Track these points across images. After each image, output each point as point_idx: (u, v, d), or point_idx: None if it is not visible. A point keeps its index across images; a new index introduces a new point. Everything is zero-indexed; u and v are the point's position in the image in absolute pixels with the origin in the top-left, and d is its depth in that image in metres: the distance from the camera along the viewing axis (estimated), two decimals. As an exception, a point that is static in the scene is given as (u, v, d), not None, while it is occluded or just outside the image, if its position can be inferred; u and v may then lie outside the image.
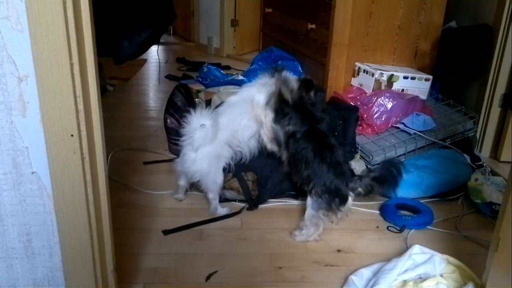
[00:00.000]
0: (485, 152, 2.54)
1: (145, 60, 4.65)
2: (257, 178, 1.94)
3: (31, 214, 1.04)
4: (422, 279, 1.39)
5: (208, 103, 2.39)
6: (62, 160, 0.98)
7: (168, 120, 2.37)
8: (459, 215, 1.93)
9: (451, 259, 1.46)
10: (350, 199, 1.68)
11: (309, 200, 1.70)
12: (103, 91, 3.45)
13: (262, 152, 1.94)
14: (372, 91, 2.33)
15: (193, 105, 2.41)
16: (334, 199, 1.65)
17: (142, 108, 3.34)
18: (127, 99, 3.53)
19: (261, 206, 1.95)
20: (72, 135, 0.98)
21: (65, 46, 0.90)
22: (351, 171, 1.72)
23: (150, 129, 2.82)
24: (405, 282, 1.38)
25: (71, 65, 0.92)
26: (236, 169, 1.91)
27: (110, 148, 2.39)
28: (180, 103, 2.38)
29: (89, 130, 1.02)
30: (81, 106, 0.97)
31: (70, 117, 0.96)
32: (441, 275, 1.41)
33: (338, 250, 1.67)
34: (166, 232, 1.74)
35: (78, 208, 1.02)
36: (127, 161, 2.35)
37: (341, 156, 1.71)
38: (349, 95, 2.35)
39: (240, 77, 2.82)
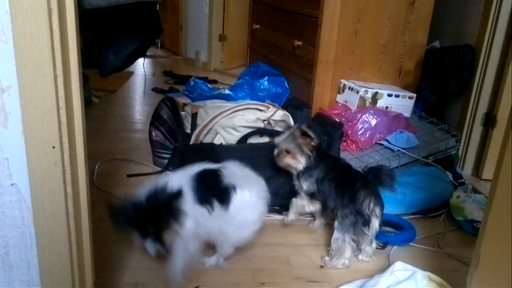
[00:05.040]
0: (467, 170, 2.58)
1: (131, 73, 4.64)
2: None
3: (9, 226, 1.02)
4: (404, 296, 1.40)
5: (193, 116, 2.39)
6: (42, 172, 0.97)
7: (153, 133, 2.36)
8: (441, 232, 1.95)
9: (433, 276, 1.47)
10: (375, 221, 1.65)
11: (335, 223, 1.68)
12: (88, 103, 3.43)
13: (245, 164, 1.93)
14: (357, 108, 2.36)
15: (179, 118, 2.41)
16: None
17: (128, 121, 3.33)
18: (112, 111, 3.51)
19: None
20: (53, 147, 0.96)
21: (49, 57, 0.90)
22: None
23: (135, 142, 2.80)
24: (387, 299, 1.39)
25: (55, 77, 0.92)
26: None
27: (95, 160, 2.37)
28: (166, 116, 2.38)
29: (71, 142, 1.01)
30: (64, 118, 0.97)
31: (52, 129, 0.95)
32: (423, 292, 1.41)
33: (321, 266, 1.67)
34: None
35: (58, 221, 1.00)
36: (110, 173, 2.32)
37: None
38: (334, 112, 2.37)
39: (227, 92, 2.83)
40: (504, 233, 1.08)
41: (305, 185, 1.78)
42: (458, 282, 1.38)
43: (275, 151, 1.81)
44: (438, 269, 1.55)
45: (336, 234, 1.65)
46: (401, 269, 1.50)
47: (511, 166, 1.06)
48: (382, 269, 1.55)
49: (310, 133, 1.75)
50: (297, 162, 1.77)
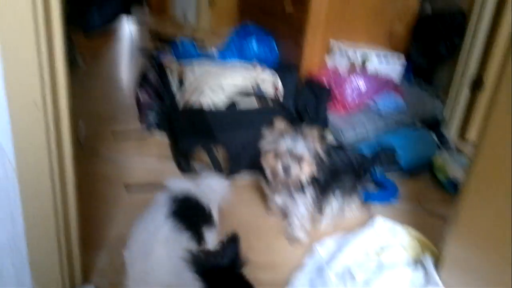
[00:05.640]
0: (452, 131, 2.60)
1: (117, 34, 4.55)
2: (228, 153, 1.95)
3: (-8, 182, 1.03)
4: (383, 249, 1.44)
5: (181, 77, 2.37)
6: (25, 129, 0.97)
7: (139, 93, 2.35)
8: (423, 190, 1.99)
9: (412, 231, 1.51)
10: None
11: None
12: (73, 64, 3.37)
13: (232, 127, 1.94)
14: (346, 71, 2.35)
15: (165, 77, 2.39)
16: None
17: (114, 82, 3.29)
18: (98, 73, 3.46)
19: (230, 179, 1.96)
20: (36, 104, 0.96)
21: (30, 14, 0.88)
22: None
23: (121, 101, 2.78)
24: (367, 253, 1.43)
25: (37, 33, 0.90)
26: (206, 143, 1.92)
27: (80, 118, 2.35)
28: (152, 77, 2.36)
29: (54, 99, 1.00)
30: (46, 75, 0.96)
31: (35, 86, 0.94)
32: (402, 246, 1.46)
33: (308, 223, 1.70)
34: (127, 187, 1.80)
35: (42, 177, 1.01)
36: (96, 131, 2.32)
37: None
38: (323, 74, 2.37)
39: (215, 53, 2.80)
40: (483, 193, 1.11)
41: (309, 191, 1.54)
42: (436, 237, 1.42)
43: (285, 161, 1.41)
44: (418, 225, 1.59)
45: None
46: (381, 225, 1.54)
47: (495, 129, 1.08)
48: (364, 225, 1.59)
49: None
50: (312, 171, 1.46)
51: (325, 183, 1.55)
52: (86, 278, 1.29)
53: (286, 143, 1.40)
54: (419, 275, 1.31)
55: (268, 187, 1.61)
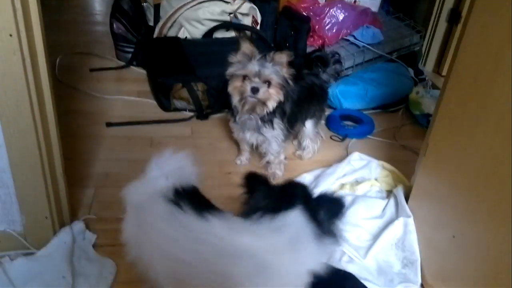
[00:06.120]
0: (429, 66, 2.64)
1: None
2: (207, 88, 1.94)
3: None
4: (358, 182, 1.52)
5: (156, 8, 2.29)
6: (1, 61, 0.95)
7: (114, 25, 2.27)
8: (399, 125, 2.05)
9: (386, 165, 1.58)
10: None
11: (308, 122, 1.70)
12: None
13: (211, 61, 1.92)
14: (325, 1, 2.31)
15: (141, 9, 2.31)
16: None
17: (87, 11, 3.16)
18: (70, 2, 3.30)
19: (211, 116, 1.98)
20: (10, 35, 0.93)
21: None
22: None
23: (96, 34, 2.70)
24: (342, 185, 1.50)
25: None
26: (185, 79, 1.90)
27: (55, 53, 2.28)
28: (126, 7, 2.27)
29: (28, 30, 0.97)
30: (18, 5, 0.92)
31: (8, 16, 0.91)
32: (376, 179, 1.54)
33: (284, 158, 1.76)
34: (109, 124, 1.78)
35: (23, 110, 1.00)
36: (73, 67, 2.27)
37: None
38: (302, 5, 2.32)
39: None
40: (450, 124, 1.16)
41: (277, 125, 1.53)
42: (409, 170, 1.48)
43: (254, 83, 1.40)
44: (393, 159, 1.66)
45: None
46: (357, 159, 1.60)
47: (463, 63, 1.11)
48: (341, 160, 1.65)
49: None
50: (279, 96, 1.44)
51: (292, 113, 1.55)
52: (73, 214, 1.32)
53: (254, 66, 1.38)
54: (391, 205, 1.39)
55: (234, 124, 1.59)
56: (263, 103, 1.42)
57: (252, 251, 0.79)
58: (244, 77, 1.41)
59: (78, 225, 1.26)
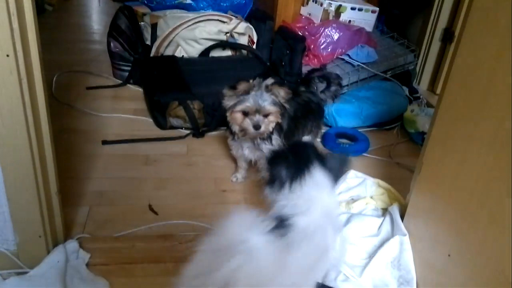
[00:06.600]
0: (423, 85, 2.67)
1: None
2: (204, 106, 1.95)
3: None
4: (353, 200, 1.52)
5: (153, 27, 2.31)
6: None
7: (112, 44, 2.29)
8: (393, 143, 2.06)
9: (382, 182, 1.58)
10: None
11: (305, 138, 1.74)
12: (41, 10, 3.23)
13: (208, 80, 1.94)
14: (320, 21, 2.34)
15: (138, 28, 2.33)
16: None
17: (84, 30, 3.18)
18: (67, 20, 3.34)
19: (207, 133, 1.99)
20: (7, 55, 0.94)
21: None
22: None
23: (94, 53, 2.71)
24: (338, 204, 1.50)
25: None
26: (181, 97, 1.91)
27: (52, 72, 2.30)
28: (124, 27, 2.30)
29: (25, 50, 0.98)
30: (16, 25, 0.93)
31: (5, 36, 0.92)
32: (371, 197, 1.53)
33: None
34: (104, 142, 1.79)
35: (18, 129, 1.00)
36: (69, 85, 2.28)
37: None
38: (298, 25, 2.35)
39: (188, 1, 2.72)
40: (444, 143, 1.17)
41: (275, 141, 1.57)
42: (404, 188, 1.48)
43: (255, 119, 1.44)
44: (388, 177, 1.66)
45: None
46: (352, 177, 1.60)
47: (456, 81, 1.12)
48: (336, 177, 1.65)
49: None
50: (278, 119, 1.50)
51: (289, 129, 1.60)
52: (67, 233, 1.31)
53: (253, 102, 1.42)
54: (386, 224, 1.39)
55: (232, 142, 1.61)
56: (264, 132, 1.49)
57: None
58: (244, 113, 1.44)
59: (72, 244, 1.25)
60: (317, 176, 0.98)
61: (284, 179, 0.98)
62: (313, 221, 0.92)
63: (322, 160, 1.01)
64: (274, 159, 1.06)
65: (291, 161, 1.01)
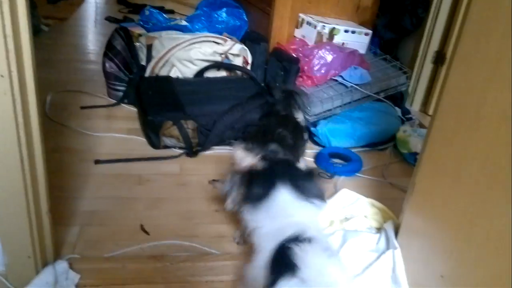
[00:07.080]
0: (415, 106, 2.70)
1: (82, 0, 4.39)
2: (197, 126, 1.96)
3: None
4: (347, 219, 1.51)
5: (149, 48, 2.33)
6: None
7: (107, 65, 2.30)
8: (386, 163, 2.07)
9: (375, 202, 1.59)
10: None
11: None
12: (37, 31, 3.25)
13: (202, 100, 1.94)
14: (314, 43, 2.38)
15: (134, 49, 2.35)
16: None
17: (80, 51, 3.20)
18: (63, 41, 3.35)
19: (200, 153, 1.98)
20: (2, 76, 0.94)
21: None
22: None
23: (88, 73, 2.72)
24: (331, 222, 1.50)
25: (0, 2, 0.88)
26: (175, 117, 1.92)
27: (47, 91, 2.30)
28: (119, 47, 2.31)
29: (20, 70, 0.98)
30: (11, 46, 0.94)
31: (0, 57, 0.93)
32: (365, 216, 1.53)
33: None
34: (97, 162, 1.78)
35: (9, 148, 1.00)
36: (63, 105, 2.27)
37: None
38: (292, 46, 2.38)
39: (184, 23, 2.76)
40: (436, 163, 1.17)
41: None
42: (398, 208, 1.49)
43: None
44: (381, 197, 1.66)
45: None
46: (346, 196, 1.60)
47: (448, 103, 1.14)
48: (329, 197, 1.65)
49: None
50: None
51: None
52: (57, 253, 1.29)
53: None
54: (381, 242, 1.39)
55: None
56: None
57: None
58: None
59: (62, 265, 1.24)
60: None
61: (257, 196, 1.03)
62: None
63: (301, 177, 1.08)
64: (250, 177, 1.10)
65: (267, 179, 1.07)
